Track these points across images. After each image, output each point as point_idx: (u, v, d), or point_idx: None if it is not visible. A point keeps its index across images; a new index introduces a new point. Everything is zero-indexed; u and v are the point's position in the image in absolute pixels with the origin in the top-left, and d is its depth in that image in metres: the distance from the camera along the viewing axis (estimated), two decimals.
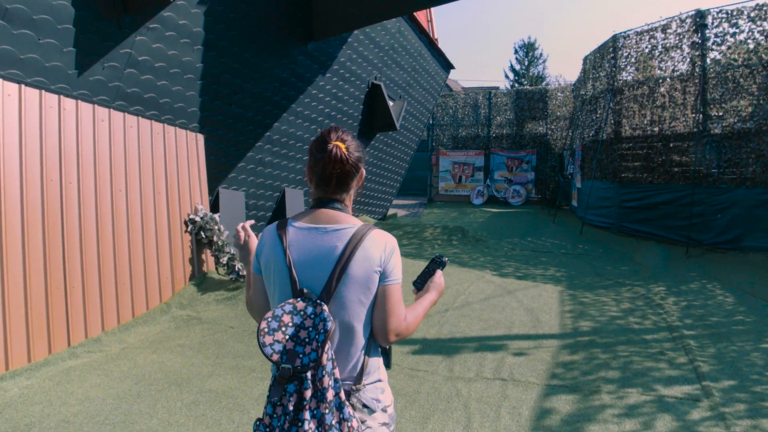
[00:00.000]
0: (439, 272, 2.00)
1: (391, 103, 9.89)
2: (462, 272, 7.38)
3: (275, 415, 1.57)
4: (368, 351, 1.73)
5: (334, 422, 1.56)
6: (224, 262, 5.71)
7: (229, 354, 4.54)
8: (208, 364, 4.34)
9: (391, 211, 13.34)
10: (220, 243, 5.75)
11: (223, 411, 3.61)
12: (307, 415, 1.54)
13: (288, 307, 1.62)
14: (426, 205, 14.82)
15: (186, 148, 5.92)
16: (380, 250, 1.70)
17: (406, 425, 3.43)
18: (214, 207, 6.60)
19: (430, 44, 10.47)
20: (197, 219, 5.76)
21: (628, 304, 6.06)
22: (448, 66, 11.53)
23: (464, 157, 16.34)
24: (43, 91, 4.47)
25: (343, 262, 1.66)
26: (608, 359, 4.40)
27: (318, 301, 1.63)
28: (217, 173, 6.55)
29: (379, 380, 1.76)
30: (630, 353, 4.54)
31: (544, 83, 28.83)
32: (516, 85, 30.77)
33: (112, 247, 4.94)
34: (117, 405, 3.68)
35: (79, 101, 4.75)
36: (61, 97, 4.60)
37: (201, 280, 5.82)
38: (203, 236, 5.77)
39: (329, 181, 1.77)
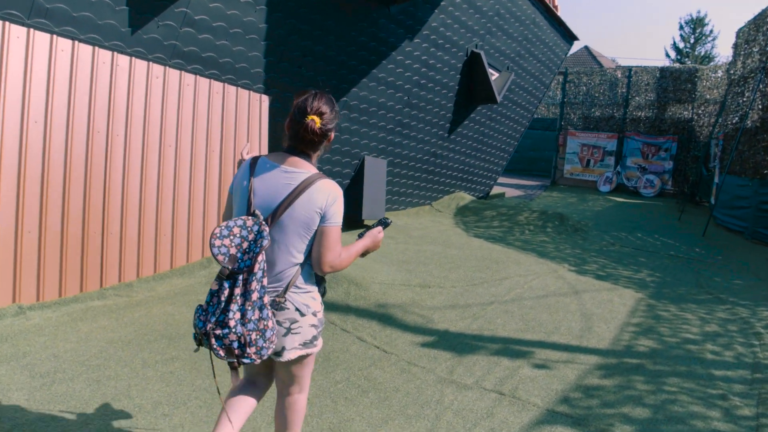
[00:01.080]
0: (379, 228, 2.35)
1: (495, 75, 9.11)
2: (535, 263, 6.64)
3: (211, 303, 2.00)
4: (303, 273, 2.14)
5: (254, 318, 1.99)
6: None
7: None
8: None
9: (499, 190, 12.55)
10: None
11: (192, 372, 3.53)
12: (233, 307, 1.97)
13: (239, 222, 2.03)
14: (547, 187, 13.72)
15: (247, 109, 5.89)
16: (324, 197, 2.08)
17: (359, 423, 3.07)
18: None
19: (548, 12, 9.40)
20: None
21: (716, 326, 4.98)
22: (570, 37, 10.32)
23: (594, 139, 14.72)
24: (96, 47, 4.64)
25: (291, 198, 2.05)
26: (645, 392, 3.60)
27: (263, 222, 2.03)
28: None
29: (310, 292, 2.18)
30: (679, 390, 3.68)
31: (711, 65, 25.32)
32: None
33: (155, 199, 5.09)
34: (104, 349, 3.77)
35: (134, 58, 4.87)
36: (115, 53, 4.74)
37: None
38: None
39: (302, 141, 2.12)
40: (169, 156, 5.20)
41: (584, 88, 15.10)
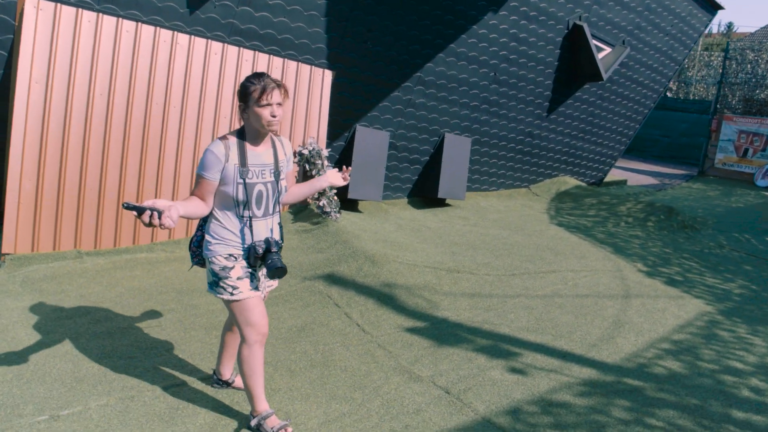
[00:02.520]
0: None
1: (607, 50, 8.07)
2: (603, 258, 5.91)
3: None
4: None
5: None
6: (315, 196, 5.77)
7: None
8: None
9: (626, 176, 11.25)
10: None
11: (177, 325, 3.78)
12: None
13: None
14: (691, 178, 11.90)
15: (308, 84, 6.01)
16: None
17: (281, 395, 3.05)
18: (350, 143, 6.63)
19: None
20: (305, 152, 5.90)
21: None
22: (713, 6, 8.66)
23: (756, 126, 12.20)
24: (158, 28, 5.08)
25: None
26: (616, 421, 3.06)
27: None
28: (354, 110, 6.50)
29: (207, 240, 2.61)
30: (665, 426, 3.06)
31: None
32: None
33: None
34: (120, 294, 4.23)
35: (194, 36, 5.24)
36: (176, 32, 5.15)
37: (299, 210, 6.03)
38: (307, 168, 5.91)
39: None
40: (223, 126, 5.55)
41: (748, 65, 12.57)
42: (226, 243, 2.53)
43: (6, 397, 2.90)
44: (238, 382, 3.01)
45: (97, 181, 4.93)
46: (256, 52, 5.62)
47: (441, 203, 7.56)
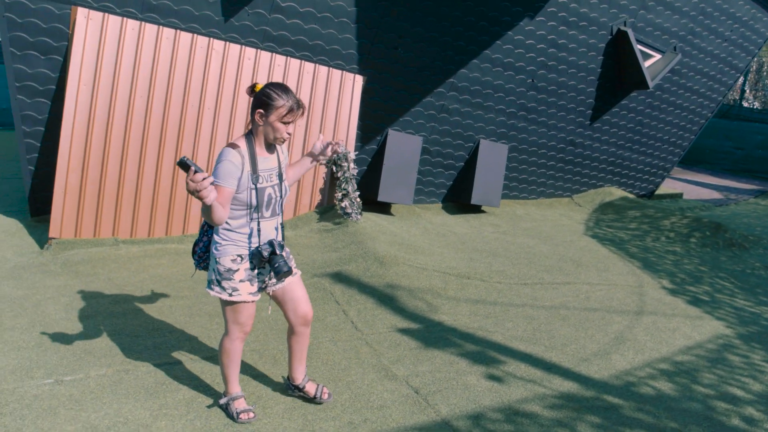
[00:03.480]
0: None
1: (656, 56, 7.73)
2: (626, 273, 5.74)
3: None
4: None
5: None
6: (338, 197, 5.98)
7: None
8: None
9: (684, 188, 10.68)
10: (342, 179, 6.01)
11: (183, 312, 4.11)
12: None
13: None
14: (763, 194, 11.12)
15: (339, 88, 6.23)
16: None
17: (254, 382, 3.27)
18: (381, 147, 6.79)
19: None
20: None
21: None
22: None
23: None
24: (195, 35, 5.47)
25: None
26: None
27: None
28: (385, 115, 6.65)
29: (215, 241, 2.74)
30: None
31: None
32: None
33: None
34: (143, 280, 4.62)
35: (228, 43, 5.59)
36: (211, 39, 5.52)
37: (325, 210, 6.25)
38: (334, 170, 6.13)
39: None
40: None
41: None
42: (236, 244, 2.66)
43: (24, 361, 3.33)
44: (310, 388, 3.11)
45: (135, 176, 5.38)
46: (288, 57, 5.91)
47: (476, 209, 7.57)
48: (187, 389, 3.17)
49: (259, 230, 2.68)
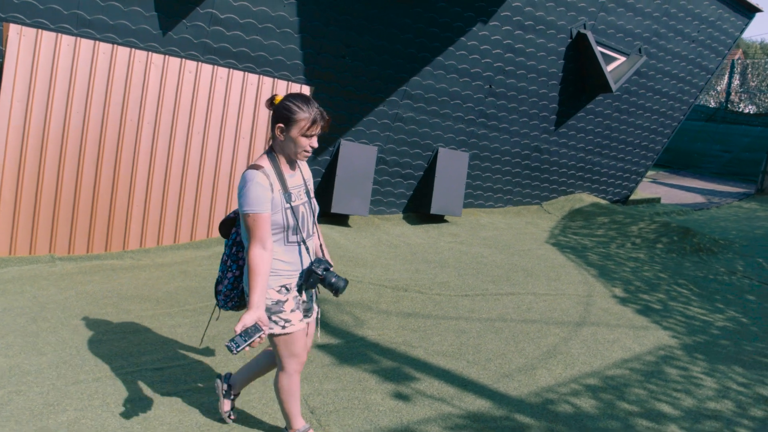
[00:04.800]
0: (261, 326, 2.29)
1: (621, 59, 7.48)
2: (577, 282, 5.49)
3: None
4: None
5: None
6: None
7: (189, 299, 4.75)
8: (161, 295, 4.67)
9: (668, 193, 10.36)
10: None
11: (107, 329, 3.94)
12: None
13: None
14: (746, 197, 10.74)
15: None
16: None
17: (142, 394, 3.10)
18: (334, 158, 6.63)
19: None
20: None
21: (730, 405, 3.52)
22: (749, 9, 7.75)
23: None
24: (133, 49, 5.36)
25: None
26: None
27: None
28: (337, 125, 6.49)
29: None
30: None
31: None
32: None
33: (180, 179, 5.69)
34: (68, 297, 4.45)
35: (168, 56, 5.48)
36: (150, 53, 5.41)
37: None
38: None
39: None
40: (196, 142, 5.74)
41: None
42: (278, 274, 2.42)
43: None
44: (228, 405, 3.00)
45: (72, 192, 5.26)
46: (231, 69, 5.78)
47: (438, 219, 7.36)
48: (73, 411, 3.01)
49: (308, 250, 2.47)
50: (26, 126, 5.08)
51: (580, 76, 7.33)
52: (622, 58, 7.46)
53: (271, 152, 2.42)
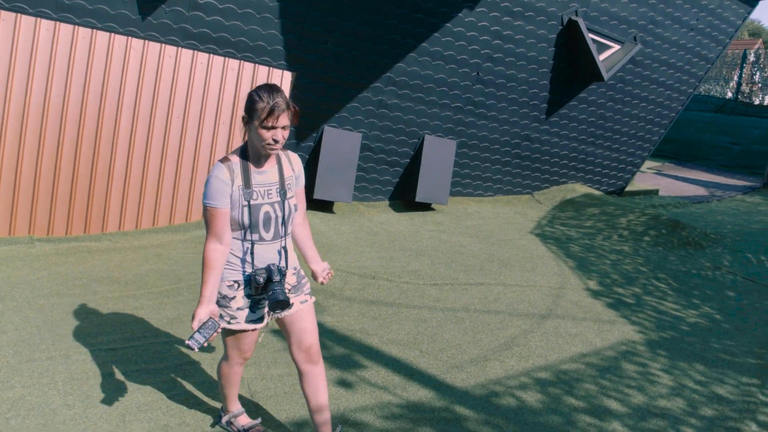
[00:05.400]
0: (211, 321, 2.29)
1: (615, 47, 7.26)
2: (552, 273, 5.41)
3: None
4: None
5: None
6: None
7: (154, 282, 4.78)
8: (127, 277, 4.70)
9: (670, 185, 10.12)
10: None
11: (67, 309, 4.00)
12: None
13: None
14: (752, 191, 10.42)
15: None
16: None
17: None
18: (318, 144, 6.59)
19: None
20: None
21: (680, 404, 3.43)
22: None
23: None
24: (113, 34, 5.37)
25: None
26: None
27: None
28: (320, 111, 6.44)
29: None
30: None
31: None
32: None
33: (159, 163, 5.71)
34: (40, 278, 4.54)
35: (148, 41, 5.48)
36: (130, 38, 5.41)
37: None
38: None
39: None
40: (175, 127, 5.75)
41: None
42: (232, 268, 2.39)
43: None
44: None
45: (51, 174, 5.33)
46: (211, 54, 5.76)
47: (425, 207, 7.30)
48: (20, 388, 3.06)
49: (252, 253, 2.36)
50: (5, 110, 5.13)
51: (572, 64, 7.14)
52: (617, 47, 7.25)
53: (244, 146, 2.35)
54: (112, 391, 3.09)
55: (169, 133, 5.74)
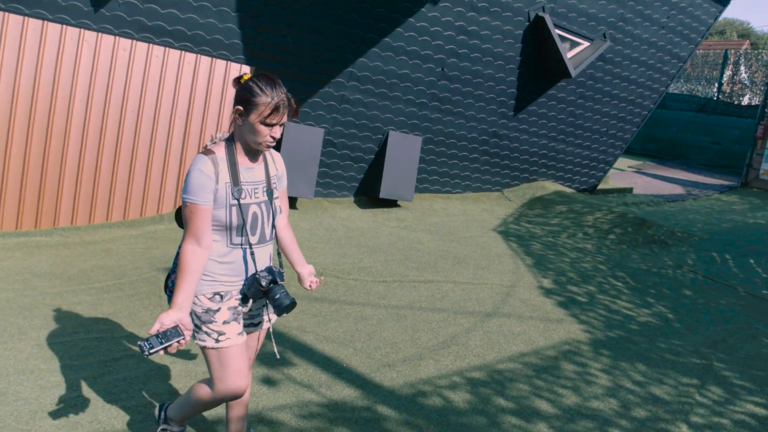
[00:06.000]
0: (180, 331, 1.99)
1: (584, 44, 7.17)
2: (506, 271, 5.32)
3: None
4: None
5: None
6: None
7: (100, 277, 4.68)
8: (77, 273, 4.62)
9: (648, 183, 10.03)
10: None
11: (16, 303, 3.92)
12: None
13: None
14: (730, 190, 10.33)
15: (223, 79, 5.96)
16: None
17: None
18: (279, 140, 6.49)
19: None
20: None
21: (613, 405, 3.34)
22: None
23: None
24: (65, 26, 5.27)
25: None
26: None
27: None
28: None
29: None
30: None
31: None
32: None
33: (113, 157, 5.62)
34: None
35: (101, 34, 5.38)
36: (83, 30, 5.31)
37: None
38: None
39: None
40: (130, 120, 5.65)
41: None
42: (213, 278, 2.13)
43: None
44: None
45: (0, 166, 5.23)
46: (167, 48, 5.66)
47: (391, 204, 7.21)
48: None
49: (253, 256, 2.15)
50: None
51: (540, 60, 7.05)
52: (586, 43, 7.16)
53: (230, 139, 2.11)
54: (30, 389, 3.00)
55: (123, 127, 5.65)
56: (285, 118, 2.04)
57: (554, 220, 7.13)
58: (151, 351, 1.88)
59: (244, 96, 2.00)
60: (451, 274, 5.13)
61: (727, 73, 13.20)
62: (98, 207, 5.66)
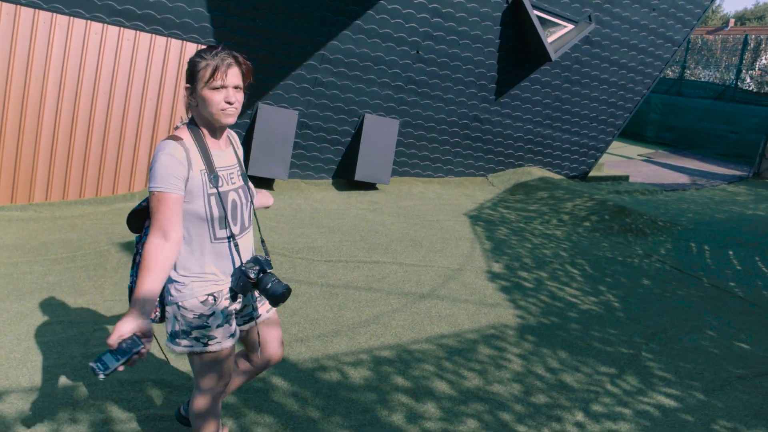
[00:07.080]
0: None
1: (569, 26, 6.90)
2: (459, 255, 5.28)
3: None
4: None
5: None
6: None
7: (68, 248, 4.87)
8: (45, 247, 4.82)
9: (656, 172, 9.65)
10: None
11: None
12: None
13: None
14: (739, 181, 9.82)
15: None
16: None
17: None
18: (253, 121, 6.57)
19: None
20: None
21: (541, 398, 3.28)
22: None
23: None
24: (37, 10, 5.45)
25: None
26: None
27: None
28: (254, 89, 6.40)
29: (173, 280, 1.95)
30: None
31: None
32: None
33: (85, 137, 5.81)
34: None
35: (73, 18, 5.55)
36: (56, 14, 5.49)
37: None
38: None
39: None
40: (101, 103, 5.82)
41: None
42: (204, 279, 1.94)
43: None
44: None
45: None
46: (138, 31, 5.79)
47: (368, 186, 7.20)
48: None
49: (237, 249, 1.97)
50: None
51: (521, 43, 6.85)
52: (570, 26, 6.90)
53: (191, 123, 1.90)
54: None
55: (95, 108, 5.83)
56: (236, 79, 1.83)
57: (533, 206, 6.97)
58: (107, 372, 1.63)
59: (188, 71, 1.85)
60: (399, 256, 5.10)
61: (749, 58, 12.50)
62: (71, 184, 5.88)
